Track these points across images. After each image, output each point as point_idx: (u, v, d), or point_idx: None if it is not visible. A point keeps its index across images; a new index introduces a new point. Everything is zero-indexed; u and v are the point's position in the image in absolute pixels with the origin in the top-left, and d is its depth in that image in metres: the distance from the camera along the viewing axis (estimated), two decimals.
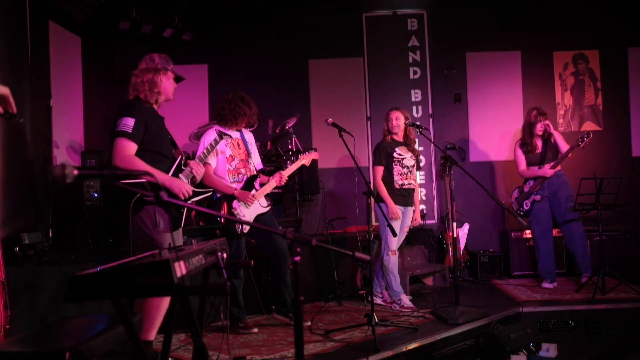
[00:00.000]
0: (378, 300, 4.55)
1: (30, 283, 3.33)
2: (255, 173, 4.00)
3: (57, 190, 4.60)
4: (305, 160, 4.14)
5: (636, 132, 6.31)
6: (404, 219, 4.49)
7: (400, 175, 4.45)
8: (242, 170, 3.93)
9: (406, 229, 4.58)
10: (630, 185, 5.72)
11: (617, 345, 4.01)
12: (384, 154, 4.48)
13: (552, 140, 5.09)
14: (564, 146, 4.99)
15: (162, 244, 2.80)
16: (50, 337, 2.03)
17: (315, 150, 4.25)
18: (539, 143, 5.14)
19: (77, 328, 2.14)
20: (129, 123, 2.87)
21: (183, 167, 3.12)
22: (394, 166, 4.45)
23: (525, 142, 5.16)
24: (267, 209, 4.00)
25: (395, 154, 4.47)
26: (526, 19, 6.19)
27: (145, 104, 3.02)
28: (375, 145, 4.64)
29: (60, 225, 4.65)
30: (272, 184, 3.96)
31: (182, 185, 2.99)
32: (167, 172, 3.02)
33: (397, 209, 4.35)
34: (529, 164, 5.16)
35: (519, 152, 5.21)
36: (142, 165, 2.85)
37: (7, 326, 2.81)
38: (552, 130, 5.06)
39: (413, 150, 4.59)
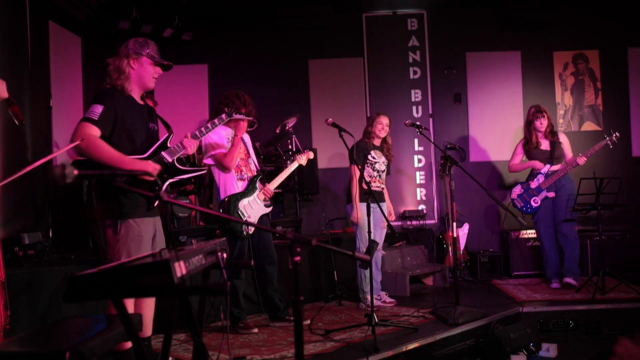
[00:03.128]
0: (377, 303, 4.52)
1: (30, 283, 3.33)
2: (256, 173, 4.01)
3: (57, 190, 4.60)
4: (301, 161, 4.18)
5: (636, 132, 6.31)
6: (377, 215, 4.29)
7: (370, 177, 4.49)
8: (244, 169, 3.95)
9: (383, 225, 4.51)
10: (630, 185, 5.72)
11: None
12: (361, 154, 4.48)
13: (561, 143, 5.06)
14: (569, 153, 5.06)
15: (121, 253, 2.68)
16: (50, 337, 2.03)
17: (311, 150, 4.28)
18: (543, 141, 5.07)
19: (77, 328, 2.14)
20: (96, 110, 2.68)
21: (169, 145, 2.92)
22: (366, 167, 4.49)
23: (527, 140, 5.12)
24: (270, 209, 4.02)
25: (369, 157, 4.52)
26: (526, 19, 6.20)
27: (121, 92, 2.82)
28: (353, 145, 4.48)
29: (60, 225, 4.65)
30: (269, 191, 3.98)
31: (146, 165, 2.75)
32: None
33: (362, 213, 4.25)
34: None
35: (519, 149, 5.19)
36: (105, 148, 2.67)
37: (7, 326, 2.81)
38: (562, 139, 5.09)
39: (387, 155, 4.61)
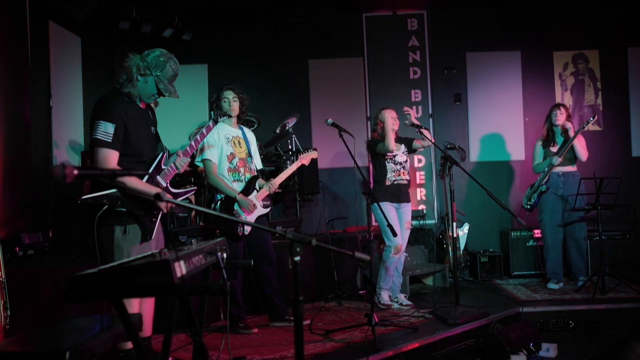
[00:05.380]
0: (395, 306, 4.44)
1: (30, 283, 3.33)
2: (255, 174, 3.99)
3: (57, 190, 4.60)
4: (304, 161, 4.15)
5: (636, 132, 6.32)
6: (402, 216, 4.46)
7: (393, 172, 4.45)
8: (242, 170, 3.90)
9: (407, 225, 4.53)
10: (630, 185, 5.72)
11: (617, 345, 4.01)
12: (378, 154, 4.47)
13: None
14: (580, 154, 4.93)
15: (130, 254, 2.69)
16: (50, 337, 2.03)
17: (315, 149, 4.24)
18: (557, 138, 5.02)
19: (77, 328, 2.14)
20: (108, 130, 2.69)
21: (163, 167, 2.92)
22: (387, 163, 4.46)
23: (546, 134, 5.09)
24: (268, 210, 4.00)
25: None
26: (526, 19, 6.20)
27: (124, 97, 2.82)
28: (370, 142, 4.57)
29: (60, 225, 4.66)
30: (265, 192, 3.94)
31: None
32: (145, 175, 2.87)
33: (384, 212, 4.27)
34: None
35: (537, 148, 5.15)
36: (134, 181, 2.72)
37: (7, 326, 2.81)
38: (573, 133, 4.89)
39: (400, 140, 4.56)
